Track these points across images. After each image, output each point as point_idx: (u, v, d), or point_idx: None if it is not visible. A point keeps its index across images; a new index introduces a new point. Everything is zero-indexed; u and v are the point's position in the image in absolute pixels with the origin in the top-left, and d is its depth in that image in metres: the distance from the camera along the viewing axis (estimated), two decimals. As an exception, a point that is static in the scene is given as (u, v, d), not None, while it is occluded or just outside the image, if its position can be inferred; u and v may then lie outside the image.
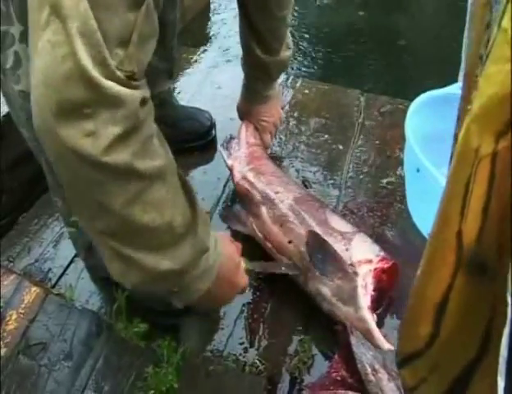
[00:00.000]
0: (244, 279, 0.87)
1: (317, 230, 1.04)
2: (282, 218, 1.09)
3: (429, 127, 1.19)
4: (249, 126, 1.31)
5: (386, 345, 0.90)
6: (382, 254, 1.02)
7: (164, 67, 1.25)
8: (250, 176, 1.20)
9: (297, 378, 0.95)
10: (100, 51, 0.52)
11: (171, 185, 0.65)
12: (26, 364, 0.92)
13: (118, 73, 0.54)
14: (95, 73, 0.52)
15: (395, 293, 1.07)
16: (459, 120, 0.48)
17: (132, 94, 0.55)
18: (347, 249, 1.01)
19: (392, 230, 1.21)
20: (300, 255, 1.04)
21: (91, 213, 0.63)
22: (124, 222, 0.61)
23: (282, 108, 1.39)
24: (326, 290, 0.99)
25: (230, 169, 1.27)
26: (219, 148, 1.33)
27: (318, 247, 1.01)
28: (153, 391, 0.87)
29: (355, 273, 0.97)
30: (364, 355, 0.86)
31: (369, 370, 0.84)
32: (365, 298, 0.95)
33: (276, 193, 1.14)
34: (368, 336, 0.92)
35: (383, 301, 1.02)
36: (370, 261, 1.00)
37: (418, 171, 1.10)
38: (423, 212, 1.18)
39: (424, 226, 1.18)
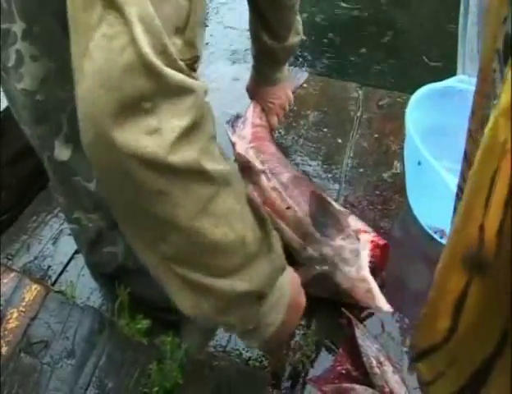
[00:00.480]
0: (304, 298, 0.77)
1: None
2: (281, 187, 1.12)
3: (428, 120, 1.19)
4: (256, 107, 1.33)
5: (386, 306, 0.93)
6: (375, 233, 1.05)
7: None
8: (251, 153, 1.23)
9: (301, 372, 0.95)
10: (161, 38, 0.48)
11: (238, 194, 0.59)
12: (28, 363, 0.92)
13: (180, 63, 0.50)
14: (157, 61, 0.47)
15: (398, 287, 1.08)
16: (474, 115, 0.48)
17: (198, 84, 0.51)
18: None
19: (393, 223, 1.21)
20: (297, 222, 1.05)
21: (154, 235, 0.55)
22: (193, 238, 0.54)
23: (293, 93, 1.39)
24: (327, 251, 1.00)
25: (233, 145, 1.29)
26: (224, 124, 1.34)
27: (321, 209, 1.04)
28: (157, 388, 0.87)
29: (357, 238, 1.00)
30: (369, 348, 0.86)
31: (374, 363, 0.85)
32: (366, 260, 0.97)
33: (275, 168, 1.18)
34: (368, 296, 0.95)
35: (376, 278, 1.02)
36: (368, 232, 1.04)
37: (419, 164, 1.10)
38: (424, 204, 1.18)
39: (425, 219, 1.18)
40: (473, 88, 1.28)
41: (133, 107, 0.48)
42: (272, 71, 1.29)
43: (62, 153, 0.84)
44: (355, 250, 0.98)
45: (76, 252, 1.13)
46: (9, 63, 0.77)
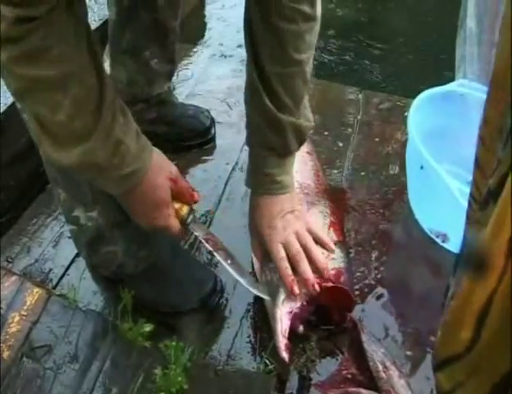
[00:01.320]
0: (170, 220, 0.85)
1: None
2: None
3: (428, 124, 1.20)
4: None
5: (282, 354, 0.88)
6: (333, 272, 0.96)
7: (165, 70, 1.24)
8: None
9: (305, 377, 0.95)
10: None
11: (71, 94, 0.68)
12: (31, 368, 0.90)
13: None
14: None
15: (400, 291, 1.08)
16: (486, 122, 0.48)
17: (9, 11, 0.60)
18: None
19: (394, 226, 1.21)
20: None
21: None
22: (25, 94, 0.69)
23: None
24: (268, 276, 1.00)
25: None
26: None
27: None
28: (163, 393, 0.86)
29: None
30: (375, 353, 0.86)
31: (380, 367, 0.85)
32: (288, 301, 0.92)
33: None
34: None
35: (326, 320, 0.98)
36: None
37: (421, 168, 1.11)
38: (426, 208, 1.19)
39: (426, 223, 1.18)
40: (473, 92, 1.29)
41: None
42: (277, 164, 0.96)
43: None
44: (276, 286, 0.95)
45: (77, 255, 1.12)
46: None
